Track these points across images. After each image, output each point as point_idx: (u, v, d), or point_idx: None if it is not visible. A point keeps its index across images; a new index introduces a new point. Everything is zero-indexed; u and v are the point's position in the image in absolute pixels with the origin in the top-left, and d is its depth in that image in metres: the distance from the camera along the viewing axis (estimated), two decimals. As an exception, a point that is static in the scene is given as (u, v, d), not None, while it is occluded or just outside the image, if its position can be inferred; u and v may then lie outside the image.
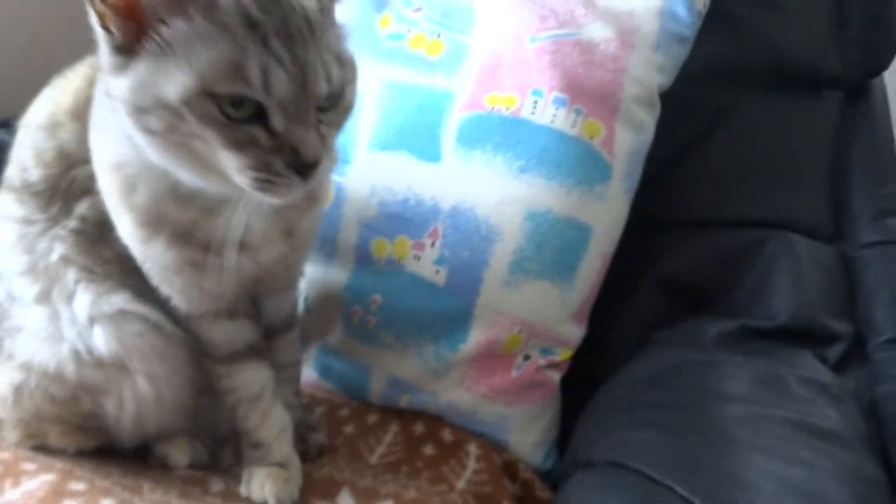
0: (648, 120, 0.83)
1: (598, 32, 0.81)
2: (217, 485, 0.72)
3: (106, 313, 0.64)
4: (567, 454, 0.75)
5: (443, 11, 0.90)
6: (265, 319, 0.75)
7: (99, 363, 0.65)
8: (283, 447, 0.71)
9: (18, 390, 0.69)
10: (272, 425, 0.70)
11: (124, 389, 0.67)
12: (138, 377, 0.66)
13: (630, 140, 0.82)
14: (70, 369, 0.65)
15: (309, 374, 0.91)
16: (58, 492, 0.64)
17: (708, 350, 0.75)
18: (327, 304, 0.89)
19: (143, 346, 0.65)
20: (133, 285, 0.65)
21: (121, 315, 0.65)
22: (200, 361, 0.69)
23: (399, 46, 0.89)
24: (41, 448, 0.71)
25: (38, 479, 0.66)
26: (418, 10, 0.91)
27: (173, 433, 0.74)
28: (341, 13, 0.92)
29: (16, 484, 0.65)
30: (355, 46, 0.88)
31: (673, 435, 0.60)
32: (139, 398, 0.67)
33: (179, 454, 0.73)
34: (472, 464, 0.78)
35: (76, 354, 0.65)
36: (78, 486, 0.65)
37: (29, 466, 0.68)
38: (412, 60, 0.88)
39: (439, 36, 0.88)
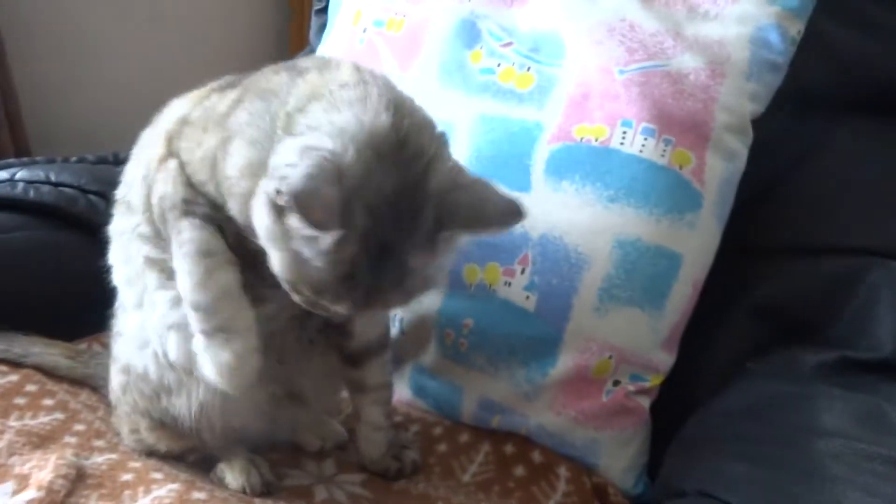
0: (740, 148, 0.83)
1: (688, 63, 0.82)
2: (321, 494, 0.77)
3: (178, 322, 0.69)
4: (658, 481, 0.75)
5: (532, 46, 0.93)
6: (356, 340, 0.78)
7: (172, 366, 0.71)
8: None
9: (123, 389, 0.77)
10: None
11: (191, 393, 0.71)
12: (202, 384, 0.70)
13: (721, 168, 0.82)
14: (151, 370, 0.72)
15: (404, 392, 0.95)
16: (184, 499, 0.70)
17: (805, 382, 0.73)
18: (422, 327, 0.94)
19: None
20: None
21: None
22: (274, 373, 0.73)
23: (490, 80, 0.93)
24: (141, 443, 0.78)
25: (166, 487, 0.72)
26: (508, 44, 0.95)
27: (243, 444, 0.77)
28: (432, 49, 0.98)
29: (147, 492, 0.71)
30: (449, 81, 0.95)
31: (766, 468, 0.60)
32: (204, 404, 0.72)
33: (235, 476, 0.75)
34: (562, 486, 0.80)
35: (156, 357, 0.72)
36: (200, 495, 0.72)
37: (157, 476, 0.75)
38: (502, 93, 0.92)
39: (529, 69, 0.92)
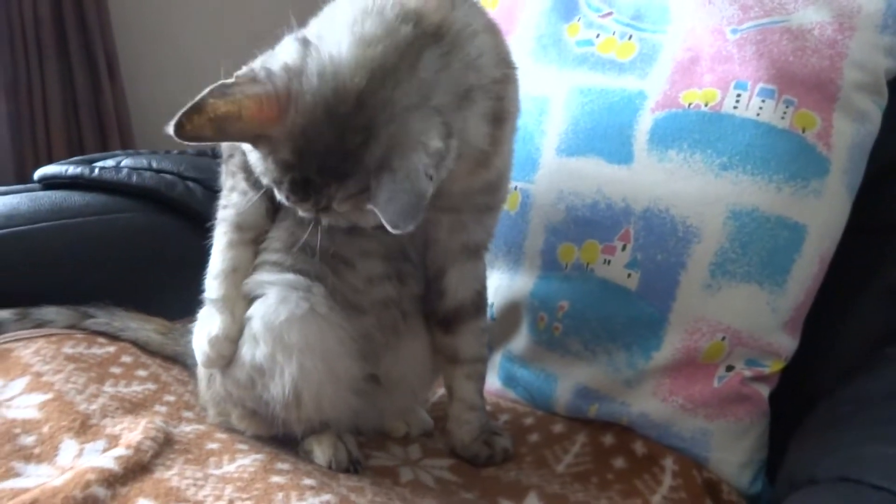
0: (873, 109, 0.75)
1: (812, 17, 0.75)
2: (406, 475, 0.74)
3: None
4: (781, 474, 0.67)
5: (634, 14, 0.88)
6: (449, 298, 0.75)
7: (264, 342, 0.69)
8: None
9: (211, 375, 0.76)
10: None
11: (284, 373, 0.68)
12: (294, 361, 0.68)
13: (851, 131, 0.74)
14: (245, 350, 0.70)
15: (493, 383, 0.90)
16: (267, 469, 0.68)
17: (956, 368, 0.64)
18: (513, 311, 0.89)
19: (296, 333, 0.68)
20: (303, 267, 0.69)
21: (283, 301, 0.68)
22: (369, 353, 0.72)
23: (588, 52, 0.89)
24: (228, 424, 0.76)
25: (251, 457, 0.71)
26: (608, 14, 0.90)
27: (330, 425, 0.74)
28: (528, 25, 0.94)
29: (232, 460, 0.70)
30: (544, 56, 0.91)
31: (920, 452, 0.51)
32: (298, 384, 0.68)
33: (322, 451, 0.73)
34: (668, 479, 0.73)
35: (252, 338, 0.69)
36: (284, 465, 0.70)
37: (242, 447, 0.73)
38: (602, 64, 0.87)
39: (630, 38, 0.86)
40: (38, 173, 1.15)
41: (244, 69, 0.58)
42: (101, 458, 0.63)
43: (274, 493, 0.63)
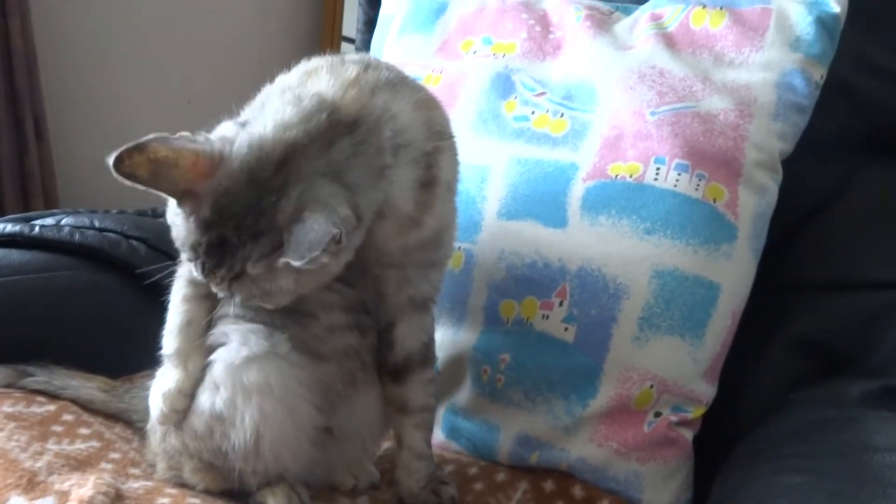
0: (771, 184, 0.86)
1: (717, 104, 0.87)
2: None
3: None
4: (707, 511, 0.74)
5: (565, 94, 0.98)
6: (398, 350, 0.78)
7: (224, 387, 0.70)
8: None
9: (167, 429, 0.76)
10: None
11: (246, 415, 0.70)
12: (254, 403, 0.69)
13: (754, 203, 0.84)
14: (204, 398, 0.71)
15: (437, 435, 0.93)
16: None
17: (851, 408, 0.73)
18: (456, 365, 0.94)
19: (255, 373, 0.70)
20: (265, 318, 0.72)
21: (244, 343, 0.71)
22: (328, 405, 0.74)
23: (525, 126, 0.98)
24: (179, 478, 0.76)
25: (204, 511, 0.71)
26: (541, 94, 1.00)
27: (281, 478, 0.75)
28: (469, 101, 1.03)
29: (185, 515, 0.70)
30: (484, 129, 0.99)
31: (825, 479, 0.59)
32: (260, 432, 0.70)
33: (276, 502, 0.73)
34: (605, 522, 0.78)
35: (212, 384, 0.71)
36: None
37: (193, 500, 0.73)
38: (537, 138, 0.96)
39: (562, 115, 0.96)
40: (-27, 231, 1.13)
41: (185, 133, 0.64)
42: (54, 512, 0.63)
43: (232, 543, 0.64)
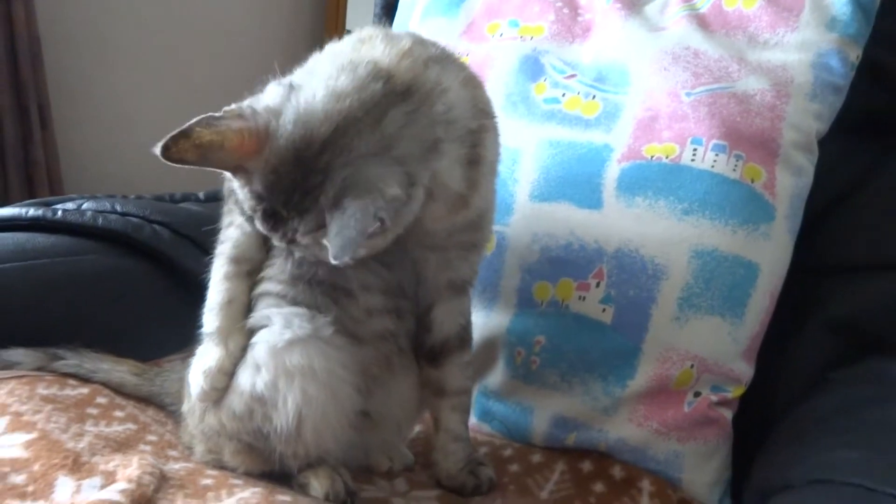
0: (807, 164, 0.86)
1: (753, 84, 0.87)
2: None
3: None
4: (749, 490, 0.74)
5: (596, 76, 0.98)
6: (435, 332, 0.78)
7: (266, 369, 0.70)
8: None
9: (205, 408, 0.75)
10: None
11: (288, 399, 0.69)
12: (297, 386, 0.69)
13: (791, 183, 0.85)
14: (244, 378, 0.71)
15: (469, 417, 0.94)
16: (270, 501, 0.68)
17: (893, 386, 0.73)
18: (489, 348, 0.94)
19: (299, 356, 0.69)
20: (306, 299, 0.72)
21: (287, 325, 0.70)
22: (368, 388, 0.74)
23: (555, 109, 0.97)
24: (218, 461, 0.76)
25: (249, 490, 0.71)
26: (572, 76, 0.99)
27: (322, 460, 0.75)
28: (496, 83, 1.02)
29: (230, 494, 0.70)
30: (513, 111, 0.99)
31: (880, 452, 0.59)
32: (300, 409, 0.69)
33: (319, 483, 0.73)
34: (645, 500, 0.78)
35: (253, 365, 0.71)
36: (284, 498, 0.70)
37: (236, 482, 0.73)
38: (569, 120, 0.96)
39: (594, 97, 0.96)
40: (-7, 216, 1.12)
41: (233, 105, 0.64)
42: (105, 492, 0.63)
43: (283, 522, 0.64)
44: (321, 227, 0.62)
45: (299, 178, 0.62)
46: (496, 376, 0.93)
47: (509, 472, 0.86)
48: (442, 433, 0.81)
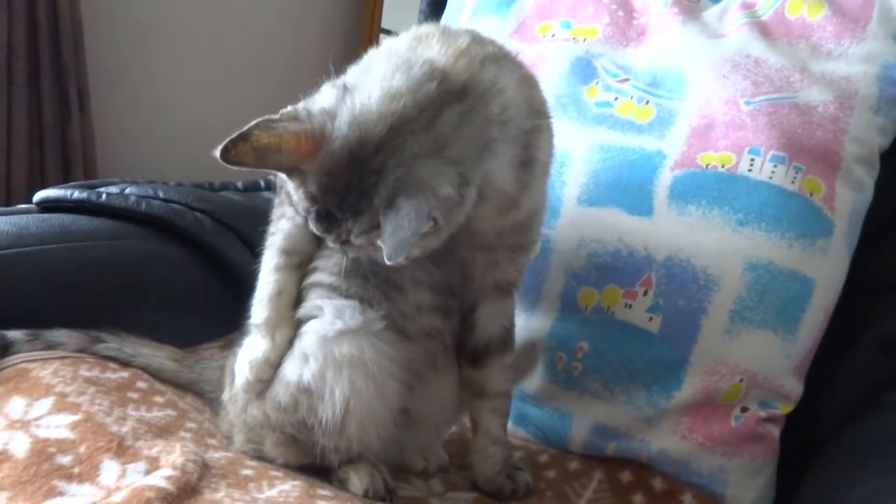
0: (868, 180, 0.84)
1: (816, 96, 0.85)
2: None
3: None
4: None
5: (650, 81, 0.96)
6: (477, 333, 0.77)
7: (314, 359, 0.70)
8: None
9: (249, 399, 0.75)
10: None
11: (336, 390, 0.69)
12: (345, 378, 0.69)
13: (851, 198, 0.83)
14: (290, 369, 0.71)
15: (504, 421, 0.93)
16: (311, 495, 0.68)
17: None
18: (528, 352, 0.92)
19: (348, 347, 0.69)
20: (358, 292, 0.72)
21: (338, 315, 0.71)
22: (409, 387, 0.74)
23: (607, 112, 0.96)
24: (258, 452, 0.75)
25: (289, 483, 0.71)
26: (625, 80, 0.98)
27: (362, 456, 0.75)
28: (546, 84, 1.01)
29: (271, 485, 0.70)
30: (563, 114, 0.98)
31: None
32: (348, 400, 0.69)
33: (359, 479, 0.73)
34: (687, 515, 0.77)
35: (301, 355, 0.71)
36: (325, 492, 0.70)
37: (276, 473, 0.73)
38: (620, 124, 0.94)
39: (647, 102, 0.94)
40: (39, 196, 1.13)
41: (289, 108, 0.64)
42: (151, 478, 0.62)
43: (326, 516, 0.63)
44: (375, 228, 0.62)
45: (354, 179, 0.62)
46: (534, 380, 0.92)
47: (546, 478, 0.84)
48: (481, 435, 0.80)
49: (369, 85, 0.63)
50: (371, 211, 0.61)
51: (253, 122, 0.61)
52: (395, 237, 0.58)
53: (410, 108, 0.62)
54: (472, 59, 0.66)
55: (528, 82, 0.73)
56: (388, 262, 0.58)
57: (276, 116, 0.62)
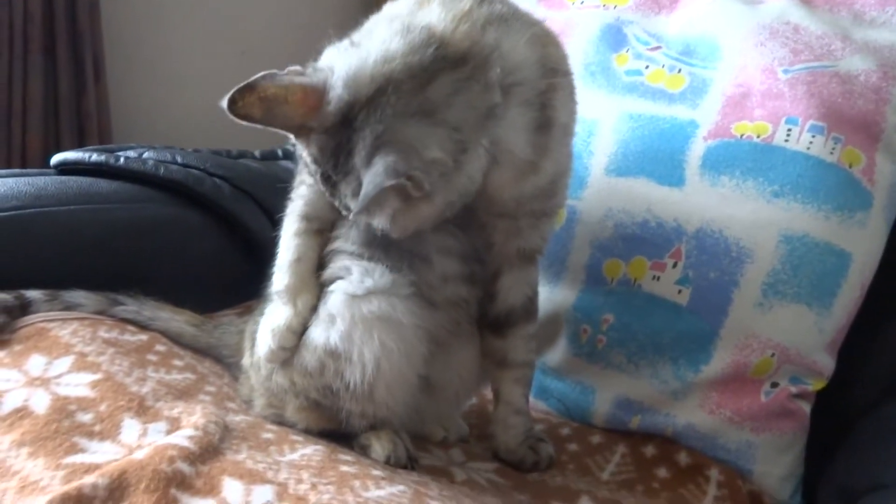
0: (910, 152, 0.82)
1: (858, 64, 0.82)
2: (459, 475, 0.74)
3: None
4: (826, 488, 0.70)
5: (683, 49, 0.94)
6: (500, 302, 0.76)
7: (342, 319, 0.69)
8: None
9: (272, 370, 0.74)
10: None
11: (364, 350, 0.68)
12: (375, 337, 0.68)
13: (891, 170, 0.80)
14: (317, 332, 0.69)
15: (524, 393, 0.91)
16: (332, 459, 0.67)
17: None
18: (551, 324, 0.91)
19: (377, 304, 0.68)
20: (384, 260, 0.70)
21: (366, 274, 0.69)
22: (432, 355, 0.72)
23: (637, 81, 0.93)
24: (279, 417, 0.74)
25: (311, 447, 0.69)
26: (656, 48, 0.95)
27: (385, 423, 0.74)
28: (575, 52, 0.99)
29: (293, 449, 0.69)
30: (592, 81, 0.95)
31: None
32: (378, 360, 0.68)
33: (381, 446, 0.72)
34: (712, 490, 0.75)
35: (328, 317, 0.69)
36: (347, 457, 0.69)
37: (297, 437, 0.72)
38: (651, 93, 0.92)
39: (679, 71, 0.92)
40: (57, 158, 1.11)
41: (293, 66, 0.64)
42: (173, 437, 0.62)
43: (349, 480, 0.62)
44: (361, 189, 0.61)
45: (344, 139, 0.62)
46: (556, 353, 0.91)
47: (568, 450, 0.83)
48: (502, 406, 0.79)
49: (367, 47, 0.63)
50: (355, 172, 0.61)
51: (259, 74, 0.62)
52: (363, 191, 0.59)
53: (400, 70, 0.61)
54: (473, 23, 0.64)
55: (542, 40, 0.70)
56: (350, 217, 0.59)
57: (283, 71, 0.63)
